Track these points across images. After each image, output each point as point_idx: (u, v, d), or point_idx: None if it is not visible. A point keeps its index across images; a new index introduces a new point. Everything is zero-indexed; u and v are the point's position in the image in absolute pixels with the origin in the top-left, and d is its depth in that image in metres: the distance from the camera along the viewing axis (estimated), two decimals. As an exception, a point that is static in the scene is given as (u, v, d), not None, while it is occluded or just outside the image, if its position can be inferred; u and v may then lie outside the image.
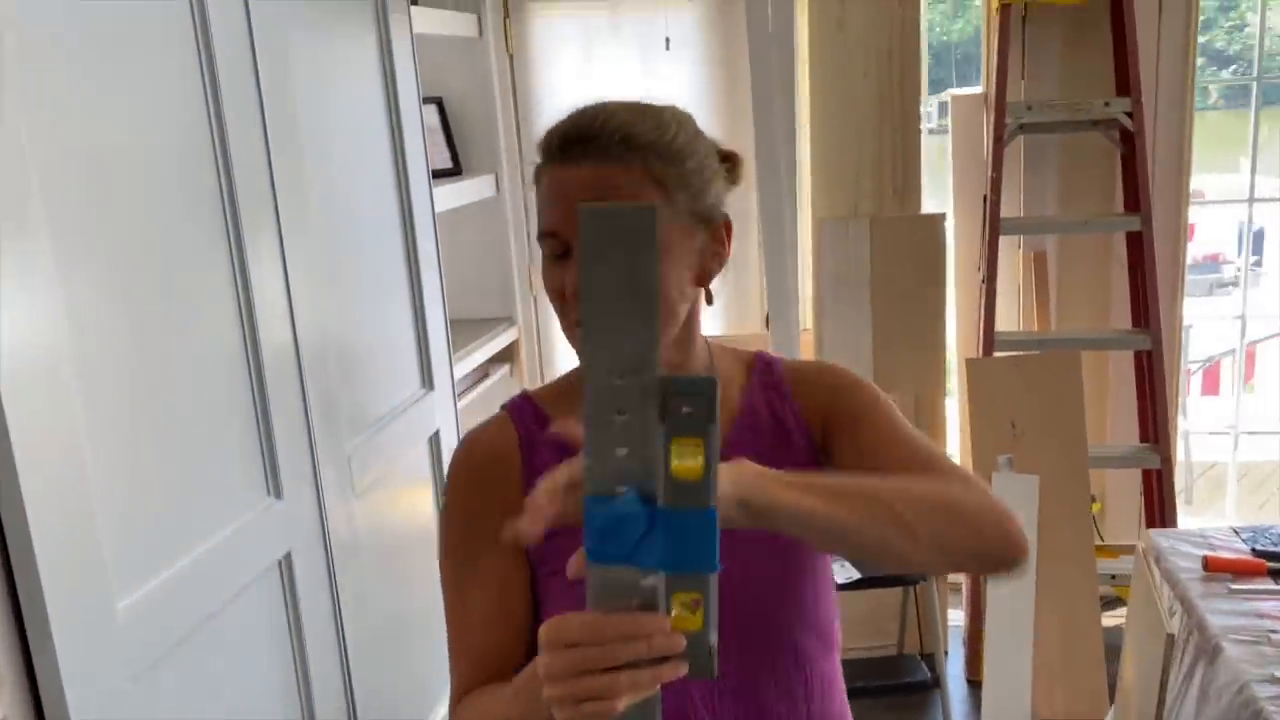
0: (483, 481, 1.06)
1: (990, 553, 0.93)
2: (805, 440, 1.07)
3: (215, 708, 1.44)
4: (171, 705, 1.34)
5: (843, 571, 2.48)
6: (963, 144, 3.13)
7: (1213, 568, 1.85)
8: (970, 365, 2.74)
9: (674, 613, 0.70)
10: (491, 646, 1.01)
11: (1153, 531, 2.05)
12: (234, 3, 1.53)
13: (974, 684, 2.90)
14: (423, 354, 2.23)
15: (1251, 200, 3.10)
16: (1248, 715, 1.54)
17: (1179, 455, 3.34)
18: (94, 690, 1.19)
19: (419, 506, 2.23)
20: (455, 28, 2.78)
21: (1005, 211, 2.85)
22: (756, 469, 0.81)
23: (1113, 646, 2.67)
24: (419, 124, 2.21)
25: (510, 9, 3.04)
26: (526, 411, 1.09)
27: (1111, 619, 2.92)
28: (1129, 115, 2.72)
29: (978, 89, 3.19)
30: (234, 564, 1.49)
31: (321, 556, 1.74)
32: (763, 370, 1.11)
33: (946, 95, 3.40)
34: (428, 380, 2.25)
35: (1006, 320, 3.00)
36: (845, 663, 1.10)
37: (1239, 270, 5.78)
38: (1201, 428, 4.39)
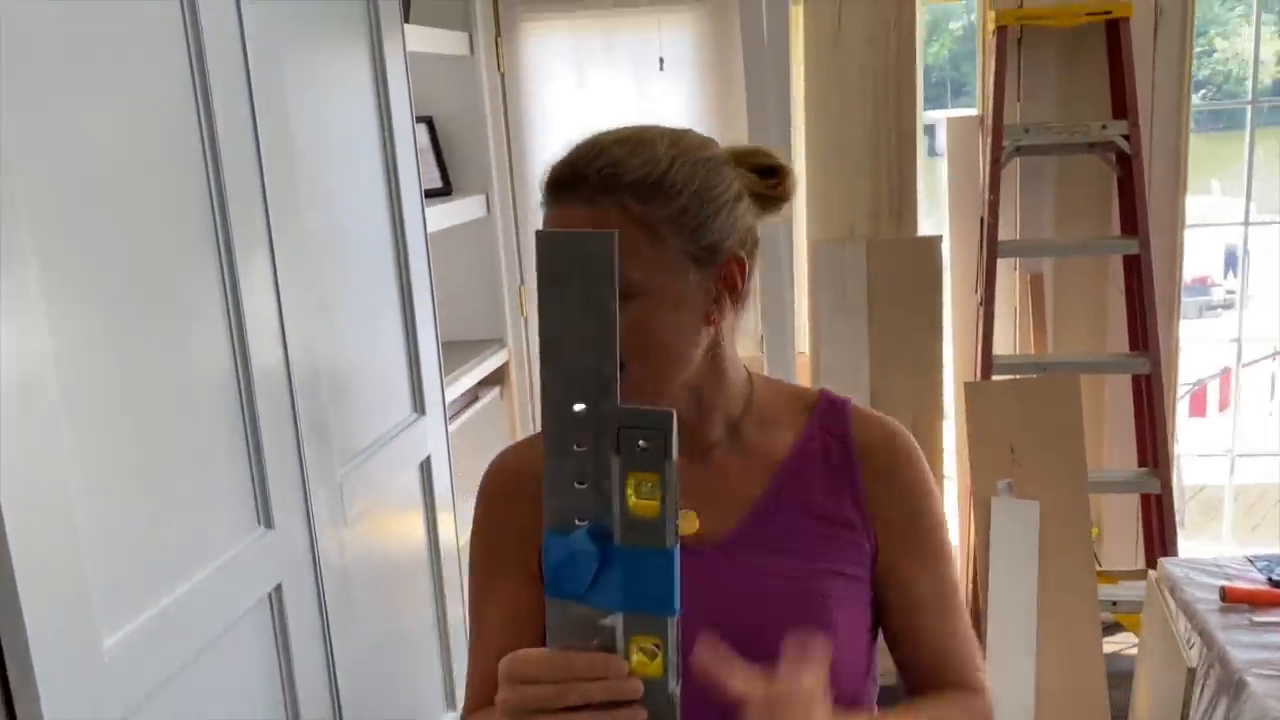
0: (505, 502, 1.06)
1: None
2: (857, 505, 1.02)
3: (203, 749, 1.38)
4: (158, 748, 1.27)
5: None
6: (958, 166, 3.11)
7: (1231, 598, 1.81)
8: (969, 389, 2.71)
9: (633, 658, 0.68)
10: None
11: (1166, 560, 2.01)
12: (228, 21, 1.48)
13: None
14: (414, 377, 2.18)
15: (1247, 223, 3.10)
16: (1273, 751, 1.50)
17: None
18: (78, 734, 1.13)
19: (411, 535, 2.18)
20: (446, 46, 2.75)
21: (1001, 234, 2.83)
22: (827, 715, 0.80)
23: (1114, 674, 2.64)
24: (412, 143, 2.17)
25: (502, 28, 3.01)
26: None
27: (1111, 645, 2.89)
28: (1126, 138, 2.71)
29: (969, 111, 3.18)
30: (225, 597, 1.43)
31: (313, 588, 1.69)
32: (826, 412, 1.06)
33: (940, 116, 3.38)
34: (419, 404, 2.20)
35: (1003, 342, 2.98)
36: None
37: (1228, 293, 5.81)
38: (1189, 451, 4.39)
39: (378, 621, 1.94)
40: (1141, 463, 2.94)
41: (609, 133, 0.97)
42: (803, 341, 3.01)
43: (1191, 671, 1.55)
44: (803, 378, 2.88)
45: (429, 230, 2.30)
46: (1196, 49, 2.93)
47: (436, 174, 2.89)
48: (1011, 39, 2.83)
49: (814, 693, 0.80)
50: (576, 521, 0.67)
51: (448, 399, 2.43)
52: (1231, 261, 5.75)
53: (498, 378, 3.10)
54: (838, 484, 1.02)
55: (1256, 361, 4.36)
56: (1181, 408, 4.94)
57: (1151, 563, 2.89)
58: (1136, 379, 2.93)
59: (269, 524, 1.55)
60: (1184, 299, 3.10)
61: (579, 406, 0.65)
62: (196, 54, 1.41)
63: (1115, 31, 2.75)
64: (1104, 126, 2.73)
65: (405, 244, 2.12)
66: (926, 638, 1.04)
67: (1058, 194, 2.99)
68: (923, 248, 2.82)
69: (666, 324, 0.94)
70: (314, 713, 1.66)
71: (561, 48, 3.02)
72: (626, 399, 0.94)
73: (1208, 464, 4.17)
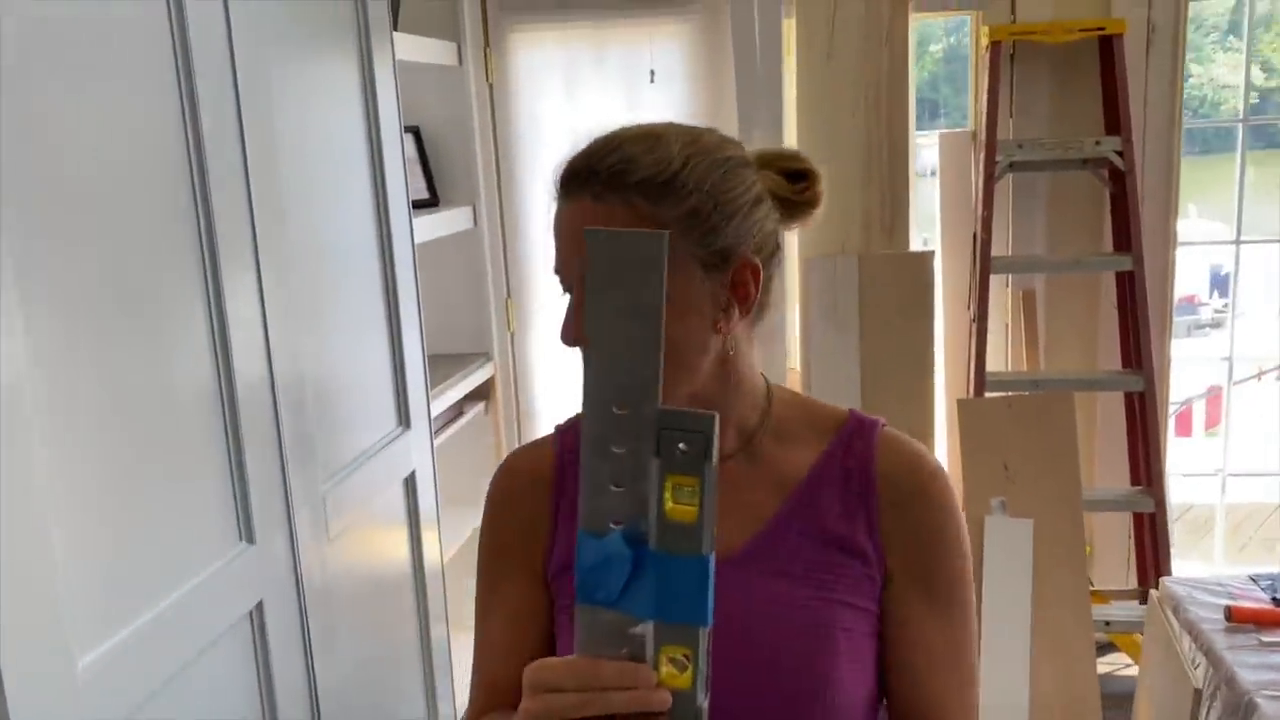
0: (512, 506, 1.04)
1: None
2: (871, 534, 0.97)
3: (180, 773, 1.33)
4: (133, 773, 1.22)
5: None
6: (950, 183, 3.09)
7: (1237, 618, 1.79)
8: (962, 406, 2.68)
9: (663, 669, 0.65)
10: (503, 677, 1.00)
11: (1167, 579, 1.99)
12: (215, 26, 1.45)
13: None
14: (399, 390, 2.14)
15: (1239, 240, 3.09)
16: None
17: (1161, 498, 3.29)
18: (49, 759, 1.08)
19: (394, 553, 2.13)
20: (434, 56, 2.71)
21: (993, 250, 2.81)
22: None
23: (1108, 694, 2.61)
24: (400, 153, 2.14)
25: (491, 38, 2.98)
26: (571, 434, 1.05)
27: (1104, 665, 2.86)
28: (1119, 154, 2.70)
29: (961, 128, 3.17)
30: (204, 615, 1.38)
31: (294, 606, 1.63)
32: (852, 433, 1.00)
33: (926, 136, 3.37)
34: (404, 418, 2.15)
35: (994, 359, 2.96)
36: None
37: (1216, 312, 5.83)
38: (1175, 470, 4.38)
39: (360, 640, 1.89)
40: (1134, 481, 2.92)
41: (627, 128, 0.95)
42: (794, 357, 2.98)
43: (1198, 692, 1.52)
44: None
45: (415, 241, 2.26)
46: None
47: (423, 184, 2.85)
48: (1004, 55, 2.82)
49: None
50: (611, 525, 0.65)
51: (433, 413, 2.38)
52: (1217, 282, 5.78)
53: (483, 392, 3.05)
54: (853, 510, 0.97)
55: (1243, 381, 4.36)
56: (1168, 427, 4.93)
57: (1144, 582, 2.87)
58: (1129, 397, 2.91)
59: (250, 539, 1.51)
60: (1174, 318, 3.09)
61: (619, 409, 0.63)
62: (183, 60, 1.38)
63: (1108, 48, 2.74)
64: (1097, 142, 2.72)
65: (392, 255, 2.09)
66: (925, 686, 0.97)
67: (1050, 211, 2.98)
68: (915, 263, 2.80)
69: (672, 330, 0.90)
70: (295, 734, 1.61)
71: (551, 59, 2.99)
72: None
73: (1194, 484, 4.16)
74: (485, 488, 1.08)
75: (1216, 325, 5.84)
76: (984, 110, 2.79)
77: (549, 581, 1.02)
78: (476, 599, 1.06)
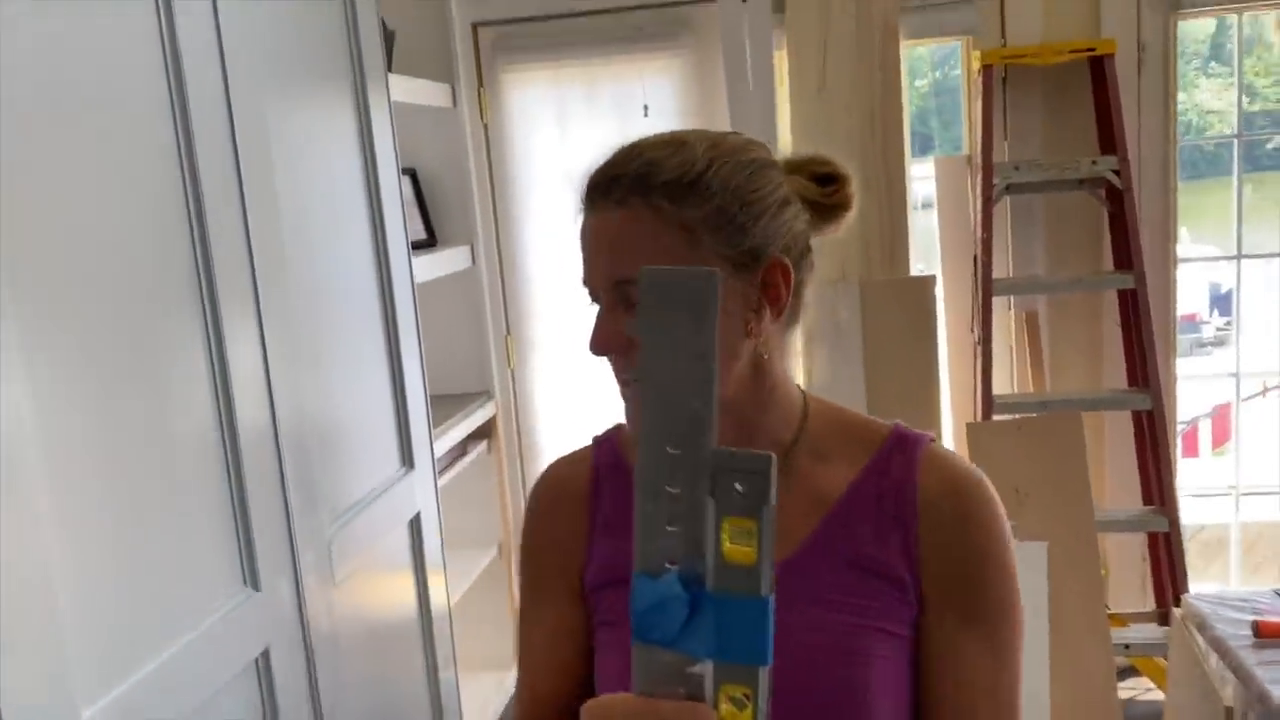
0: (550, 519, 1.04)
1: None
2: (908, 559, 0.93)
3: (187, 830, 1.29)
4: (139, 830, 1.18)
5: None
6: (948, 207, 3.09)
7: (1265, 633, 1.75)
8: (971, 430, 2.66)
9: (722, 707, 0.64)
10: (546, 690, 1.02)
11: (1190, 596, 1.95)
12: (212, 72, 1.45)
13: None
14: (402, 431, 2.11)
15: (1240, 256, 3.09)
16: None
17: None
18: (52, 818, 1.04)
19: (401, 596, 2.09)
20: (429, 98, 2.72)
21: (994, 272, 2.80)
22: None
23: (1131, 719, 2.56)
24: (398, 195, 2.13)
25: (484, 78, 2.99)
26: (608, 446, 1.05)
27: (1126, 690, 2.81)
28: (1116, 173, 2.70)
29: (955, 154, 3.17)
30: (209, 663, 1.35)
31: (301, 653, 1.60)
32: (893, 450, 0.97)
33: (928, 161, 3.38)
34: (408, 459, 2.13)
35: (999, 382, 2.94)
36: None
37: (1218, 330, 5.82)
38: (1184, 490, 4.34)
39: (368, 688, 1.85)
40: (1146, 501, 2.89)
41: (648, 137, 0.94)
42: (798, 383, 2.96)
43: (1229, 710, 1.48)
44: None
45: (415, 281, 2.25)
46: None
47: (420, 225, 2.84)
48: (997, 78, 2.83)
49: None
50: (667, 565, 0.63)
51: (435, 454, 2.36)
52: (1217, 300, 5.78)
53: (485, 431, 3.03)
54: (889, 533, 0.94)
55: (1250, 398, 4.35)
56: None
57: (1163, 604, 2.83)
58: (1136, 416, 2.89)
59: (255, 585, 1.48)
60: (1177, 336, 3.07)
61: (674, 449, 0.63)
62: (180, 105, 1.37)
63: (1099, 69, 2.75)
64: (1094, 162, 2.72)
65: (392, 296, 2.07)
66: (962, 717, 0.93)
67: (1048, 232, 2.98)
68: (916, 288, 2.78)
69: None
70: (304, 786, 1.57)
71: (544, 97, 3.00)
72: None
73: (1205, 504, 4.12)
74: (490, 528, 1.08)
75: (1219, 343, 5.82)
76: (979, 134, 2.79)
77: (586, 595, 1.01)
78: (520, 606, 1.08)
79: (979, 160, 2.79)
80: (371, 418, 2.00)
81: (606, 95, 2.95)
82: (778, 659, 0.90)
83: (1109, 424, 3.00)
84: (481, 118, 3.00)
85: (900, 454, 0.96)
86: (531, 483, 1.21)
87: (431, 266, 2.62)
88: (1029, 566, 2.36)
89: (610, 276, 0.92)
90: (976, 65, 2.79)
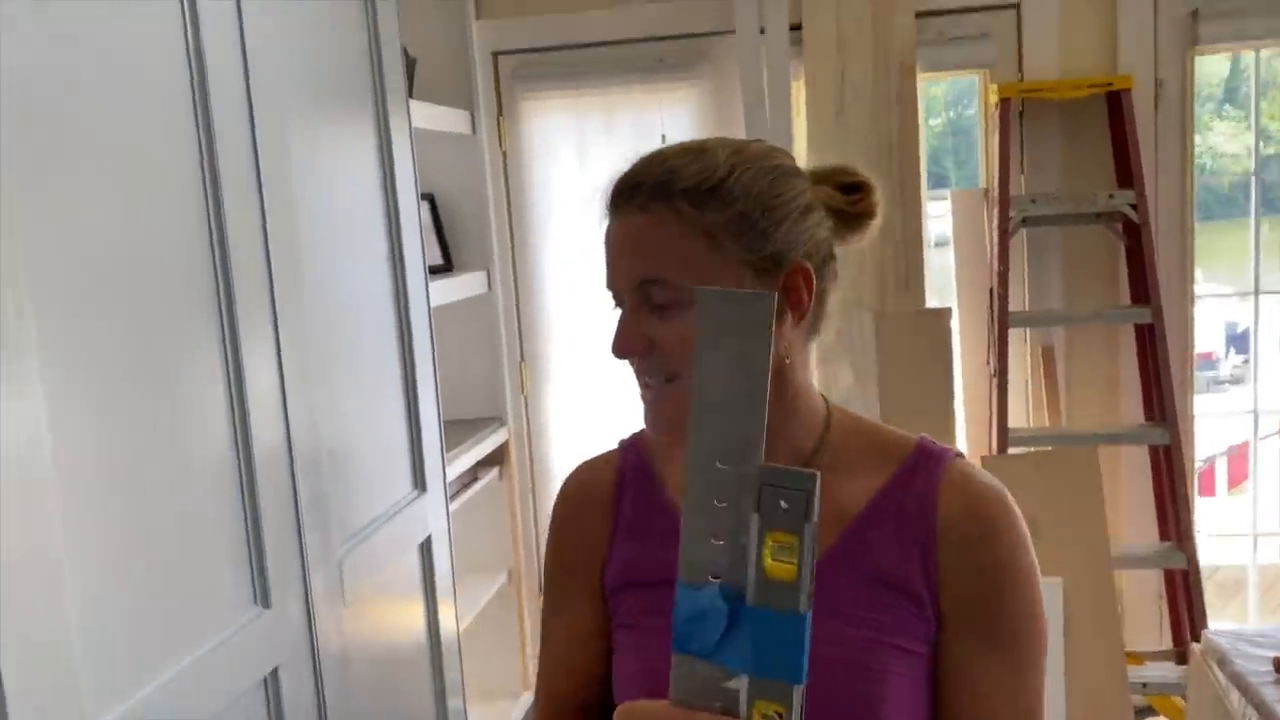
0: (574, 525, 1.06)
1: None
2: (927, 577, 0.92)
3: None
4: (144, 847, 1.17)
5: None
6: (964, 241, 3.09)
7: (1286, 670, 1.73)
8: (986, 463, 2.64)
9: None
10: (565, 692, 1.05)
11: (1210, 631, 1.92)
12: (236, 93, 1.46)
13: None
14: (415, 454, 2.11)
15: (1257, 293, 3.07)
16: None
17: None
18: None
19: (411, 622, 2.08)
20: (448, 124, 2.74)
21: (1010, 305, 2.79)
22: None
23: (1148, 761, 2.52)
24: (416, 219, 2.14)
25: (504, 107, 3.01)
26: (633, 451, 1.07)
27: (1142, 731, 2.77)
28: (1133, 207, 2.70)
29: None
30: (219, 680, 1.34)
31: (310, 673, 1.59)
32: (916, 465, 0.96)
33: (945, 193, 3.38)
34: (420, 482, 2.12)
35: (1015, 415, 2.92)
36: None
37: (1234, 368, 5.78)
38: (1200, 530, 4.29)
39: (376, 712, 1.84)
40: (1163, 537, 2.86)
41: (672, 145, 0.96)
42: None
43: (1251, 749, 1.45)
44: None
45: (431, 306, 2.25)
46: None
47: (438, 251, 2.86)
48: (1014, 112, 2.84)
49: None
50: (710, 578, 0.65)
51: (449, 478, 2.35)
52: (1233, 339, 5.75)
53: (497, 457, 3.02)
54: (908, 549, 0.93)
55: (1268, 436, 4.30)
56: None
57: (1180, 642, 2.79)
58: (1153, 452, 2.86)
59: (266, 603, 1.47)
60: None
61: (723, 464, 0.65)
62: (204, 121, 1.38)
63: (1117, 103, 2.75)
64: (1111, 195, 2.72)
65: (409, 320, 2.08)
66: None
67: (1065, 266, 2.97)
68: (932, 320, 2.78)
69: None
70: (310, 809, 1.55)
71: (563, 125, 3.02)
72: (674, 412, 0.91)
73: (1222, 544, 4.07)
74: (500, 555, 1.10)
75: (1235, 381, 5.79)
76: (995, 167, 2.80)
77: (606, 597, 1.02)
78: (543, 608, 1.10)
79: (996, 193, 2.79)
80: (385, 440, 1.99)
81: (625, 125, 2.97)
82: None
83: (1125, 460, 2.97)
84: (500, 145, 3.02)
85: (924, 470, 0.96)
86: (543, 510, 1.22)
87: (447, 291, 2.63)
88: (1045, 603, 2.33)
89: (633, 278, 0.93)
90: (994, 99, 2.80)
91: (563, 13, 2.94)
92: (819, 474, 0.63)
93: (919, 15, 2.82)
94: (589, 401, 2.99)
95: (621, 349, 0.94)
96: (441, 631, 2.15)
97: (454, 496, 2.64)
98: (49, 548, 1.06)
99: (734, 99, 2.88)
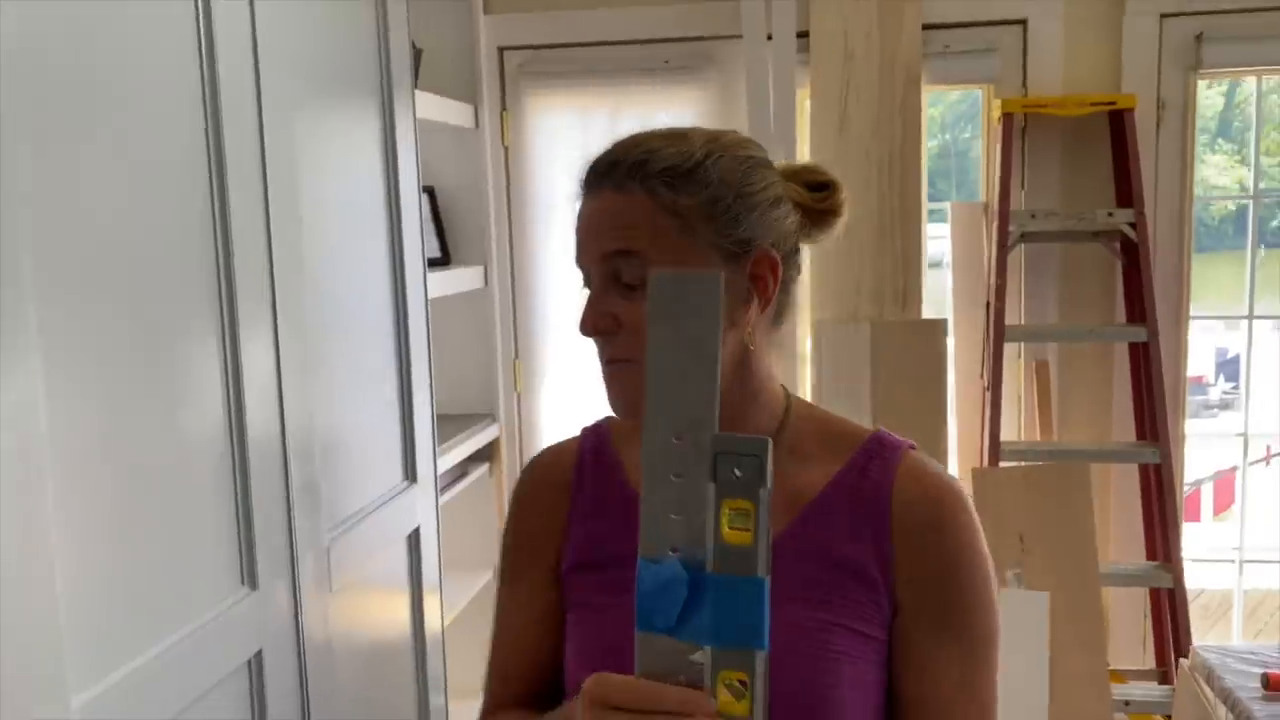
0: (532, 504, 1.08)
1: None
2: (881, 562, 0.94)
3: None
4: (122, 823, 1.16)
5: None
6: (962, 254, 3.09)
7: (1275, 686, 1.73)
8: (977, 476, 2.64)
9: (720, 696, 0.67)
10: (515, 669, 1.06)
11: (1199, 647, 1.93)
12: (245, 80, 1.46)
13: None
14: (407, 444, 2.10)
15: (1251, 317, 3.08)
16: None
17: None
18: (38, 800, 1.02)
19: (396, 614, 2.07)
20: (452, 116, 2.74)
21: (1006, 319, 2.80)
22: None
23: (1129, 779, 2.52)
24: (417, 210, 2.14)
25: (508, 101, 3.01)
26: (594, 435, 1.09)
27: (1123, 749, 2.77)
28: (1132, 226, 2.70)
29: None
30: (203, 660, 1.33)
31: (294, 658, 1.58)
32: (872, 454, 0.98)
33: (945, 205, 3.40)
34: (411, 472, 2.11)
35: (1007, 430, 2.92)
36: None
37: (1224, 394, 5.81)
38: (1185, 554, 4.30)
39: (358, 703, 1.83)
40: (1150, 556, 2.86)
41: (651, 130, 0.98)
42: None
43: (1237, 765, 1.45)
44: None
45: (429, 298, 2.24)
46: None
47: (436, 244, 2.85)
48: (1016, 127, 2.85)
49: None
50: (670, 551, 0.67)
51: (438, 471, 2.34)
52: (1224, 365, 5.79)
53: (487, 453, 3.01)
54: (863, 534, 0.95)
55: (1255, 463, 4.32)
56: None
57: (1163, 662, 2.80)
58: (1144, 470, 2.87)
59: (253, 584, 1.47)
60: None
61: (678, 439, 0.66)
62: (212, 114, 1.38)
63: (1119, 122, 2.76)
64: (1110, 214, 2.73)
65: (406, 311, 2.07)
66: None
67: (1062, 283, 2.97)
68: (927, 331, 2.78)
69: None
70: (290, 795, 1.54)
71: (566, 122, 3.02)
72: (635, 395, 0.92)
73: (1206, 569, 4.09)
74: (487, 551, 1.10)
75: (1224, 406, 5.83)
76: (996, 181, 2.80)
77: (561, 577, 1.04)
78: (497, 592, 1.11)
79: (995, 207, 2.79)
80: (377, 428, 1.99)
81: (628, 123, 2.95)
82: None
83: (1115, 478, 2.98)
84: (502, 140, 3.01)
85: (879, 458, 0.98)
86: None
87: (443, 284, 2.62)
88: (1030, 616, 2.34)
89: (603, 250, 0.94)
90: (997, 113, 2.81)
91: (570, 10, 2.94)
92: (770, 440, 0.64)
93: (925, 28, 2.82)
94: (581, 402, 2.98)
95: (588, 327, 0.96)
96: (426, 625, 2.14)
97: (442, 491, 2.63)
98: (41, 521, 1.05)
99: (739, 103, 2.88)
